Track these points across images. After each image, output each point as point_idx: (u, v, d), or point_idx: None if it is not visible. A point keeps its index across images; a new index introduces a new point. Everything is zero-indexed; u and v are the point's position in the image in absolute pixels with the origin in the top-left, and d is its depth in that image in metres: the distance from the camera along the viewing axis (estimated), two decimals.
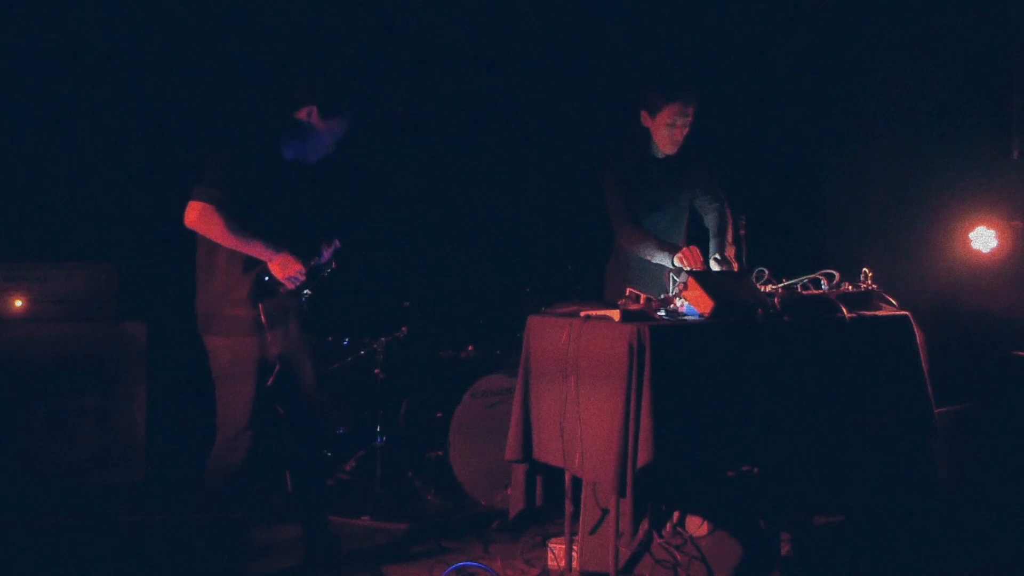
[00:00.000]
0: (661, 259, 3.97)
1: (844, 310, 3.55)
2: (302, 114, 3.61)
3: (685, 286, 3.52)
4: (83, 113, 5.04)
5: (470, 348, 5.11)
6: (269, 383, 3.53)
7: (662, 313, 3.44)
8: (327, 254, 3.71)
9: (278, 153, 3.64)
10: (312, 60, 5.09)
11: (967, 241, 5.11)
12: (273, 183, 3.58)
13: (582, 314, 3.45)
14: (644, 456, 3.10)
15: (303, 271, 3.52)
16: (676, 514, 3.74)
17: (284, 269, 3.48)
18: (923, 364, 3.75)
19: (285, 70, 4.60)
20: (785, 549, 3.74)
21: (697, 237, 4.29)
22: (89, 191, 5.07)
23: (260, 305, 3.49)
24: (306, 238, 3.65)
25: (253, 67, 5.14)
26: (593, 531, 3.62)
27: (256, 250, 3.45)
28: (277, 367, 3.57)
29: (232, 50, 5.17)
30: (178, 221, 3.45)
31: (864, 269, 3.83)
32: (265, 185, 3.54)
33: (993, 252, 5.06)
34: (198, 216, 3.38)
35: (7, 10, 4.77)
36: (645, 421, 3.10)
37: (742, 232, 4.02)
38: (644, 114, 4.14)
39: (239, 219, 3.41)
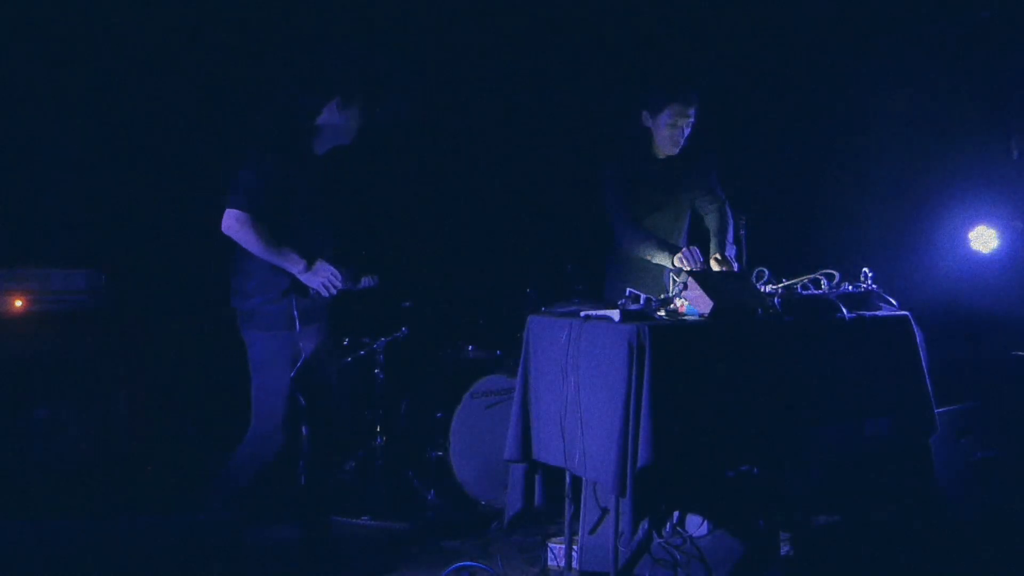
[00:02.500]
0: (661, 259, 3.97)
1: (844, 310, 3.55)
2: (327, 107, 3.72)
3: (685, 286, 3.52)
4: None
5: (470, 348, 5.11)
6: (292, 376, 3.64)
7: (662, 313, 3.44)
8: (365, 283, 3.95)
9: (310, 152, 3.76)
10: (326, 53, 5.08)
11: (967, 241, 5.11)
12: (308, 184, 3.70)
13: (582, 314, 3.45)
14: (644, 456, 3.10)
15: (337, 277, 3.66)
16: (676, 514, 3.75)
17: (316, 276, 3.62)
18: (923, 364, 3.75)
19: (298, 65, 4.62)
20: (785, 549, 3.74)
21: (697, 237, 4.29)
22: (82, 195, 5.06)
23: (294, 301, 3.63)
24: (340, 235, 3.82)
25: (258, 65, 5.13)
26: (593, 531, 3.62)
27: (287, 261, 3.60)
28: (300, 361, 3.66)
29: (239, 49, 5.14)
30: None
31: (864, 269, 3.83)
32: (300, 187, 3.67)
33: (993, 252, 5.06)
34: (234, 223, 3.55)
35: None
36: (645, 421, 3.10)
37: (742, 232, 4.02)
38: (645, 114, 4.14)
39: (273, 226, 3.58)
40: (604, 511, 3.58)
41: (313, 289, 3.64)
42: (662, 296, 3.57)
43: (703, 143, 4.24)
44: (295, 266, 3.60)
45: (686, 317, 3.43)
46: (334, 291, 3.68)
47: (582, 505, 3.63)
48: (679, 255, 3.86)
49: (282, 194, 3.61)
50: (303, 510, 3.86)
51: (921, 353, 3.75)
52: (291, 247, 3.60)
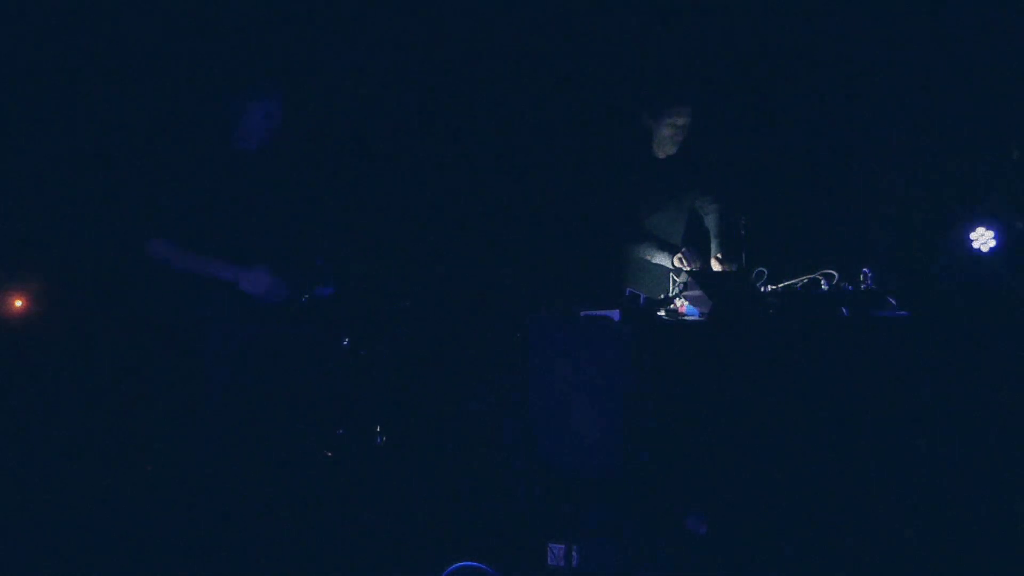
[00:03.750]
0: (661, 259, 3.97)
1: (844, 310, 3.55)
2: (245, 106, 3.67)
3: (685, 286, 3.53)
4: None
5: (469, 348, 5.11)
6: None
7: (662, 313, 3.44)
8: (319, 291, 3.72)
9: (244, 154, 3.67)
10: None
11: (967, 241, 5.11)
12: (240, 186, 3.61)
13: (582, 314, 3.45)
14: (644, 456, 3.10)
15: (276, 285, 3.53)
16: (676, 514, 3.74)
17: (253, 287, 3.52)
18: (922, 364, 3.75)
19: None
20: (785, 549, 3.74)
21: (697, 238, 4.29)
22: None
23: (221, 297, 3.56)
24: (293, 235, 3.70)
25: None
26: (593, 531, 3.62)
27: (219, 272, 3.53)
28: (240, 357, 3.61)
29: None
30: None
31: (864, 269, 3.83)
32: (233, 191, 3.59)
33: (993, 252, 5.07)
34: (157, 249, 3.54)
35: None
36: (645, 421, 3.10)
37: (742, 232, 4.02)
38: (645, 114, 4.14)
39: (205, 236, 3.53)
40: (604, 511, 3.58)
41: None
42: (662, 296, 3.56)
43: (703, 143, 4.24)
44: (229, 275, 3.52)
45: (686, 317, 3.43)
46: (274, 299, 3.56)
47: (582, 505, 3.63)
48: (679, 255, 3.86)
49: (211, 202, 3.56)
50: (304, 510, 3.86)
51: (919, 353, 3.75)
52: (221, 254, 3.54)
